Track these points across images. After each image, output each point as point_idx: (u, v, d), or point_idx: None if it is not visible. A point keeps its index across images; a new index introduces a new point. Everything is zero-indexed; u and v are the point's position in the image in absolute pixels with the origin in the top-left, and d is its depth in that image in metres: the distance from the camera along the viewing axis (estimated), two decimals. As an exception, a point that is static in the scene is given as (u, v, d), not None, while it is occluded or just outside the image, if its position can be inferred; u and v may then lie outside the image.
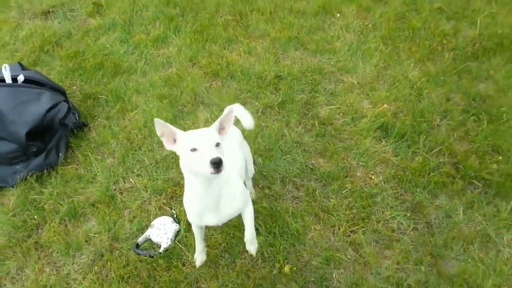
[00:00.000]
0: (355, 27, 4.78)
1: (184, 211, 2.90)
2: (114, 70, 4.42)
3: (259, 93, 4.03)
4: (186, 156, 1.94)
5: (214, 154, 1.83)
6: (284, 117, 3.79)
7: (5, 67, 3.43)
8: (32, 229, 3.03)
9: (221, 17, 5.10)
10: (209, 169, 1.82)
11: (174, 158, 3.44)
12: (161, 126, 1.98)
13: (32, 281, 2.74)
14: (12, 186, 3.31)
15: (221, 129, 2.09)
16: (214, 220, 2.25)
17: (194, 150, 1.89)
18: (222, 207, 2.20)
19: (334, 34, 4.71)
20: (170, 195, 3.20)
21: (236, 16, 5.09)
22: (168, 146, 2.03)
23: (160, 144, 3.50)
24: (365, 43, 4.53)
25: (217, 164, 1.81)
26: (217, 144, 1.93)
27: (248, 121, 2.80)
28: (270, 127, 3.66)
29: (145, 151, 3.54)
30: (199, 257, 2.71)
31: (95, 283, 2.68)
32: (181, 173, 3.23)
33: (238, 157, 2.59)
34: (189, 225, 2.94)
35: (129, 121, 3.86)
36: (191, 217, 2.32)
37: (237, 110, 2.78)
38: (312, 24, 4.86)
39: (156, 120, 1.94)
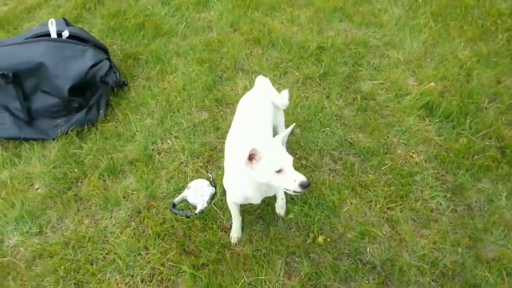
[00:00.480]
0: (404, 1, 4.60)
1: (221, 176, 2.95)
2: (155, 32, 4.40)
3: (300, 63, 3.96)
4: (270, 176, 2.03)
5: (302, 177, 1.98)
6: (325, 89, 3.71)
7: (51, 22, 3.45)
8: (72, 181, 3.10)
9: (265, -17, 4.99)
10: (296, 188, 1.98)
11: (211, 123, 3.44)
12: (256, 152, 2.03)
13: (71, 231, 2.81)
14: (53, 139, 3.38)
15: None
16: (258, 200, 2.41)
17: (279, 171, 1.99)
18: (271, 190, 2.37)
19: (382, 7, 4.55)
20: (207, 159, 3.20)
21: (281, -17, 4.96)
22: (246, 164, 2.06)
23: (198, 107, 3.53)
24: (413, 19, 4.37)
25: (306, 187, 1.97)
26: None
27: (280, 99, 2.76)
28: (310, 98, 3.60)
29: (184, 114, 3.54)
30: (235, 234, 2.74)
31: (132, 237, 2.73)
32: (218, 138, 3.27)
33: (269, 128, 2.62)
34: (224, 189, 2.96)
35: (168, 83, 3.85)
36: (236, 198, 2.45)
37: (267, 85, 2.82)
38: (359, -5, 4.71)
39: (252, 147, 1.98)
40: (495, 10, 4.37)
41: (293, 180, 1.98)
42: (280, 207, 2.81)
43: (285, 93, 2.77)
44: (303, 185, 1.97)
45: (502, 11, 4.38)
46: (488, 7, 4.44)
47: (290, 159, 2.05)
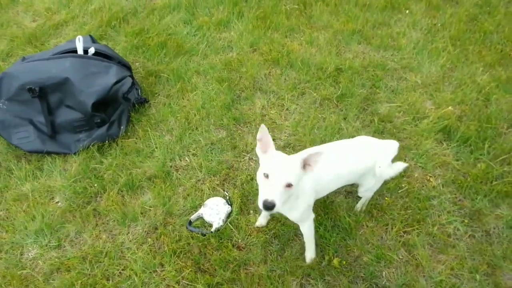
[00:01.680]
0: (423, 25, 4.64)
1: (237, 194, 2.99)
2: (177, 50, 4.49)
3: (318, 84, 3.99)
4: (260, 172, 2.06)
5: (272, 196, 1.92)
6: (342, 110, 3.74)
7: (78, 39, 3.56)
8: (91, 196, 3.15)
9: (284, 5, 5.07)
10: (259, 203, 1.96)
11: (229, 141, 3.48)
12: (263, 132, 2.04)
13: (89, 246, 2.85)
14: (75, 153, 3.44)
15: (307, 165, 2.07)
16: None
17: (266, 175, 1.99)
18: (283, 208, 2.28)
19: (400, 31, 4.59)
20: (224, 177, 3.23)
21: (300, 5, 5.04)
22: (259, 151, 2.13)
23: (217, 126, 3.58)
24: (432, 43, 4.39)
25: (266, 208, 1.92)
26: (288, 185, 1.98)
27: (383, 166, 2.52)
28: (327, 119, 3.62)
29: (202, 132, 3.59)
30: (261, 220, 2.86)
31: (148, 254, 2.76)
32: (235, 156, 3.31)
33: (332, 181, 2.53)
34: (241, 208, 2.99)
35: (188, 101, 3.92)
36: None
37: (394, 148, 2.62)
38: (378, 19, 4.76)
39: (262, 125, 2.01)
40: (514, 36, 4.38)
41: (262, 195, 1.97)
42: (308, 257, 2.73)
43: (400, 166, 2.61)
44: (264, 204, 1.92)
45: (522, 36, 4.39)
46: (507, 32, 4.44)
47: (280, 174, 1.98)
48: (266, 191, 1.96)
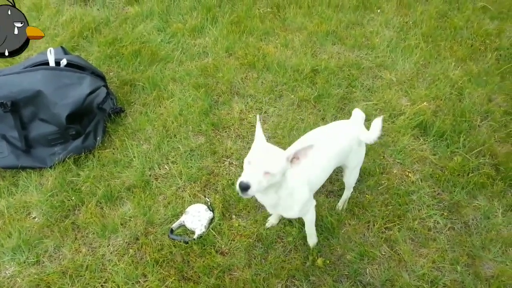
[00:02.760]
0: (395, 24, 4.71)
1: (219, 200, 2.97)
2: (151, 58, 4.46)
3: (295, 86, 4.01)
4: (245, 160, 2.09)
5: (248, 178, 1.95)
6: (320, 111, 3.76)
7: (50, 51, 3.49)
8: (69, 209, 3.08)
9: (258, 9, 5.09)
10: (237, 185, 1.97)
11: (208, 147, 3.46)
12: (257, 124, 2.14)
13: (68, 260, 2.79)
14: (50, 167, 3.37)
15: (295, 159, 2.09)
16: (271, 210, 2.45)
17: (249, 162, 2.03)
18: (279, 208, 2.37)
19: (373, 30, 4.65)
20: (204, 183, 3.21)
21: (274, 8, 5.07)
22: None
23: (195, 132, 3.57)
24: (404, 40, 4.46)
25: (241, 188, 1.94)
26: (266, 173, 1.99)
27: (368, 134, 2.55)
28: (305, 120, 3.64)
29: (180, 139, 3.56)
30: (271, 220, 2.89)
31: (130, 265, 2.72)
32: (215, 162, 3.30)
33: (322, 170, 2.53)
34: (223, 213, 2.97)
35: (165, 108, 3.89)
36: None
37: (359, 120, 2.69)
38: (351, 19, 4.81)
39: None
40: (483, 31, 4.48)
41: (240, 178, 1.97)
42: (310, 241, 2.79)
43: (377, 123, 2.50)
44: (240, 185, 1.94)
45: (490, 31, 4.49)
46: (476, 27, 4.55)
47: (260, 161, 2.01)
48: (245, 174, 1.99)
